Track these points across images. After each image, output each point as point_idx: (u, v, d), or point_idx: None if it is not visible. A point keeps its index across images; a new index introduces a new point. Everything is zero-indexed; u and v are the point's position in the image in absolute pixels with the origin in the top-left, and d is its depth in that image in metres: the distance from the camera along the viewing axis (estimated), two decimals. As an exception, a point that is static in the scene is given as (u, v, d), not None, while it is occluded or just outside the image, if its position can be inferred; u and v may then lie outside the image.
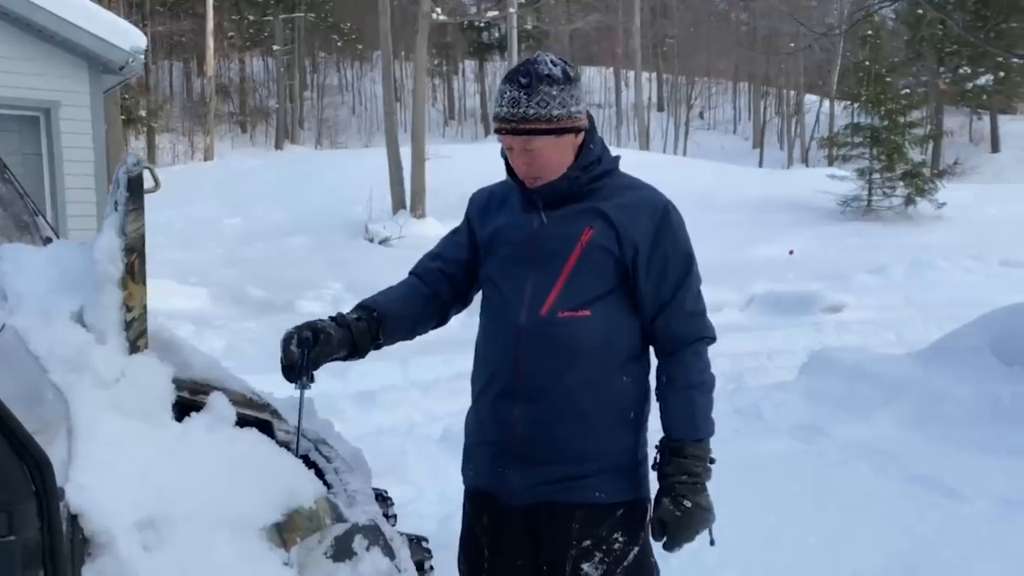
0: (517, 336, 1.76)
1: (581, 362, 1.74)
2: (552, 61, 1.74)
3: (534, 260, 1.78)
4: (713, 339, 1.82)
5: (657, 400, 1.82)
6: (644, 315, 1.79)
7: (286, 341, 1.70)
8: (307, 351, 1.68)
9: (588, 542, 1.77)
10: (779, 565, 3.14)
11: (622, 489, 1.78)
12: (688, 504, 1.71)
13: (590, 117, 1.80)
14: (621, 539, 1.78)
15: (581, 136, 1.78)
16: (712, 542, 1.80)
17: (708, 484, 1.76)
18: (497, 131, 1.74)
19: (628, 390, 1.79)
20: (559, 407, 1.75)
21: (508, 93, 1.72)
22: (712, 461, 1.78)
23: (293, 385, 1.70)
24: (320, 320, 1.77)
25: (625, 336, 1.79)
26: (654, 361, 1.86)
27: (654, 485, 1.81)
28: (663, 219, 1.77)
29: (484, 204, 1.94)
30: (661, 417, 1.80)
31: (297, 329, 1.72)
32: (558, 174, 1.75)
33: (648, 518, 1.81)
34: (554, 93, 1.70)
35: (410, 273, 1.96)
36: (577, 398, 1.75)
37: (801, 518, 3.56)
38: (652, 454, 1.83)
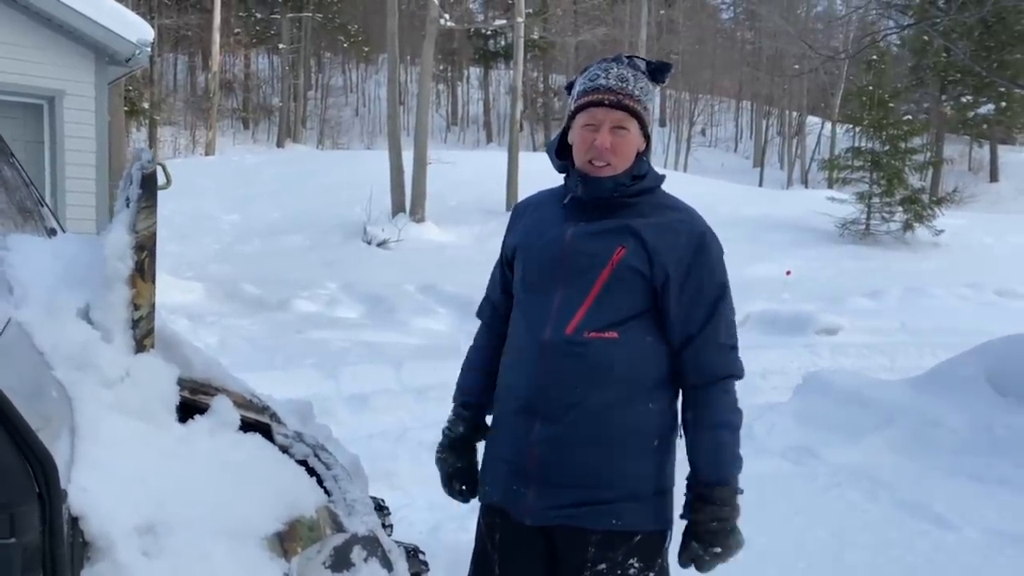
0: (540, 353, 1.72)
1: (605, 384, 1.69)
2: (648, 62, 1.78)
3: (562, 275, 1.73)
4: (741, 376, 1.76)
5: (683, 435, 1.77)
6: (672, 343, 1.73)
7: (453, 492, 1.94)
8: (468, 488, 1.94)
9: (603, 565, 1.72)
10: (769, 588, 3.13)
11: (642, 518, 1.72)
12: (718, 550, 1.71)
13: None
14: (637, 564, 1.73)
15: (644, 145, 1.77)
16: None
17: (738, 519, 1.73)
18: (592, 103, 1.71)
19: (653, 416, 1.73)
20: (580, 429, 1.70)
21: (616, 70, 1.73)
22: (740, 492, 1.74)
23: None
24: (449, 460, 1.93)
25: (653, 361, 1.73)
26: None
27: (677, 509, 1.78)
28: (699, 246, 1.72)
29: (520, 214, 1.93)
30: (688, 455, 1.75)
31: (448, 478, 1.94)
32: (622, 169, 1.73)
33: (667, 545, 1.78)
34: (650, 88, 1.75)
35: (479, 319, 2.03)
36: (599, 421, 1.70)
37: (791, 541, 3.55)
38: (677, 482, 1.80)
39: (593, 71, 1.76)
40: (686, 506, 1.75)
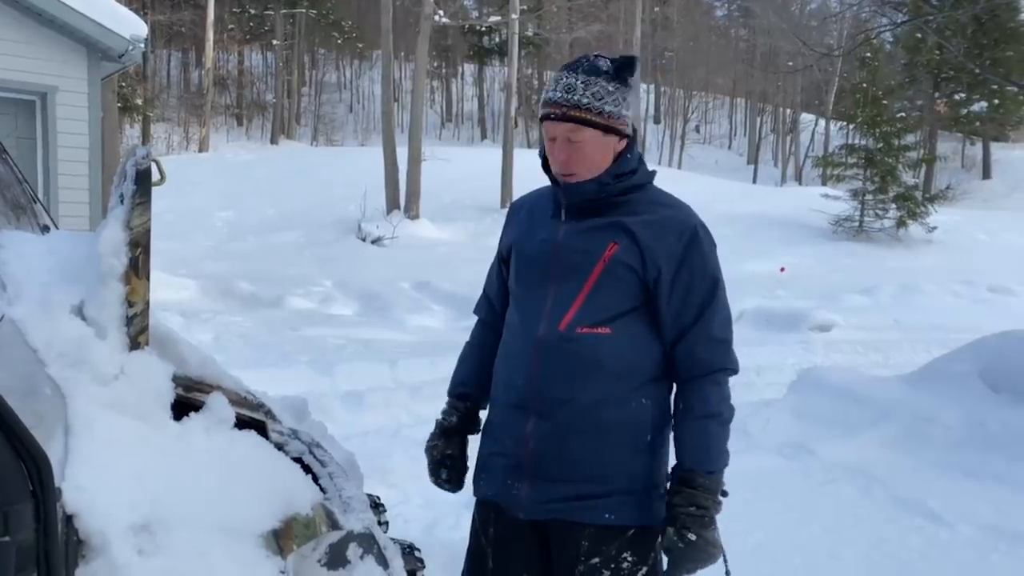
0: (534, 349, 1.74)
1: (598, 380, 1.70)
2: (612, 60, 1.74)
3: (555, 273, 1.74)
4: (735, 371, 1.76)
5: (672, 428, 1.78)
6: (665, 339, 1.74)
7: (439, 480, 1.95)
8: (454, 476, 1.95)
9: (596, 559, 1.73)
10: (764, 584, 3.13)
11: (634, 514, 1.73)
12: (692, 537, 1.66)
13: (634, 129, 1.78)
14: (630, 559, 1.74)
15: (624, 143, 1.75)
16: (727, 573, 1.76)
17: (717, 517, 1.70)
18: (545, 117, 1.72)
19: (646, 412, 1.73)
20: (573, 424, 1.71)
21: (564, 79, 1.71)
22: (724, 494, 1.73)
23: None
24: (439, 447, 1.95)
25: (646, 357, 1.74)
26: None
27: None
28: (691, 240, 1.72)
29: (516, 212, 1.94)
30: (674, 445, 1.75)
31: (436, 466, 1.95)
32: (594, 174, 1.72)
33: (658, 542, 1.77)
34: (610, 89, 1.70)
35: (476, 315, 2.04)
36: (592, 417, 1.71)
37: (786, 537, 3.56)
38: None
39: (552, 79, 1.76)
40: (667, 494, 1.74)
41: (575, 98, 1.68)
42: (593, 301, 1.71)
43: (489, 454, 1.86)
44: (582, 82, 1.69)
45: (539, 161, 1.87)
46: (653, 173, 1.81)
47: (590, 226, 1.74)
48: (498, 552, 1.84)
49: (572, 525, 1.74)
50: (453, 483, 1.95)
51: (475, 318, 2.07)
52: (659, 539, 1.75)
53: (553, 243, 1.76)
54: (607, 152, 1.73)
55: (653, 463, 1.76)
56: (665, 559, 1.73)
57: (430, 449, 1.96)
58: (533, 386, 1.74)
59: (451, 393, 2.00)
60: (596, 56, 1.75)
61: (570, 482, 1.72)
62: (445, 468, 1.93)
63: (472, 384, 1.97)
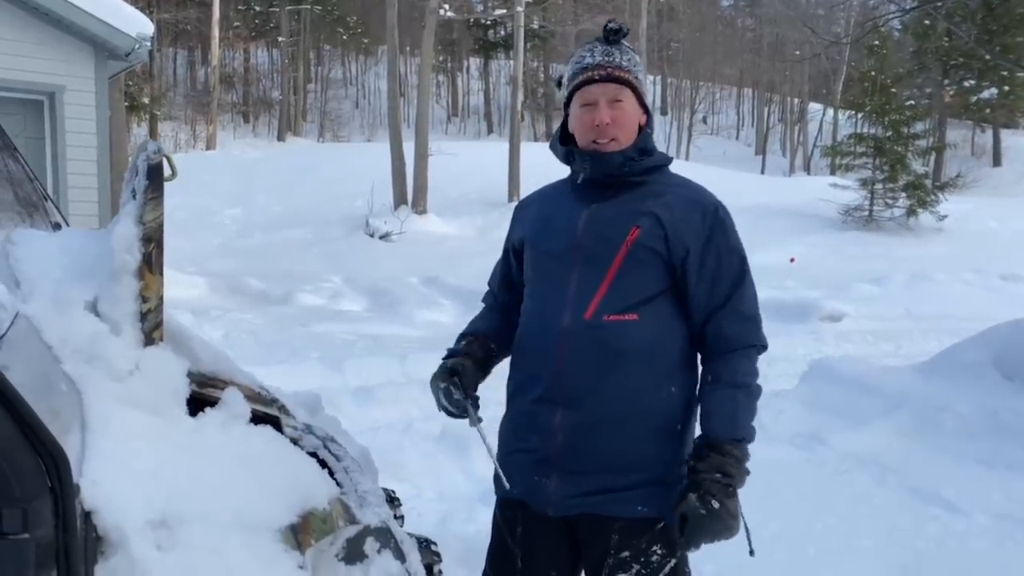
0: (560, 339, 1.69)
1: (627, 368, 1.66)
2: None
3: (577, 261, 1.71)
4: (764, 347, 1.73)
5: (699, 401, 1.72)
6: (694, 320, 1.71)
7: (442, 393, 1.78)
8: (463, 394, 1.77)
9: (626, 553, 1.69)
10: (777, 575, 3.12)
11: (665, 505, 1.68)
12: (716, 505, 1.57)
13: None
14: (659, 551, 1.70)
15: (645, 118, 1.79)
16: (751, 552, 1.71)
17: (740, 491, 1.64)
18: (585, 83, 1.74)
19: (676, 400, 1.70)
20: (603, 414, 1.67)
21: (600, 47, 1.76)
22: (747, 472, 1.67)
23: (467, 422, 1.77)
24: (446, 361, 1.84)
25: (674, 342, 1.70)
26: None
27: None
28: (715, 220, 1.71)
29: (524, 208, 1.93)
30: (700, 417, 1.69)
31: (442, 379, 1.79)
32: (628, 142, 1.73)
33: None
34: (637, 60, 1.78)
35: (483, 303, 2.04)
36: (621, 406, 1.67)
37: (800, 527, 3.54)
38: None
39: (579, 53, 1.79)
40: (690, 462, 1.66)
41: (616, 60, 1.74)
42: (618, 288, 1.68)
43: (514, 451, 1.79)
44: (618, 49, 1.76)
45: (550, 153, 1.86)
46: (671, 158, 1.82)
47: (611, 211, 1.72)
48: (527, 550, 1.80)
49: (602, 519, 1.70)
50: (464, 400, 1.77)
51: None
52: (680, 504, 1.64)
53: (572, 231, 1.73)
54: (637, 121, 1.76)
55: (683, 452, 1.72)
56: (678, 529, 1.64)
57: (448, 391, 1.78)
58: (560, 377, 1.69)
59: (464, 337, 1.91)
60: (620, 24, 1.79)
61: (599, 474, 1.68)
62: (448, 393, 1.78)
63: (492, 333, 1.89)
